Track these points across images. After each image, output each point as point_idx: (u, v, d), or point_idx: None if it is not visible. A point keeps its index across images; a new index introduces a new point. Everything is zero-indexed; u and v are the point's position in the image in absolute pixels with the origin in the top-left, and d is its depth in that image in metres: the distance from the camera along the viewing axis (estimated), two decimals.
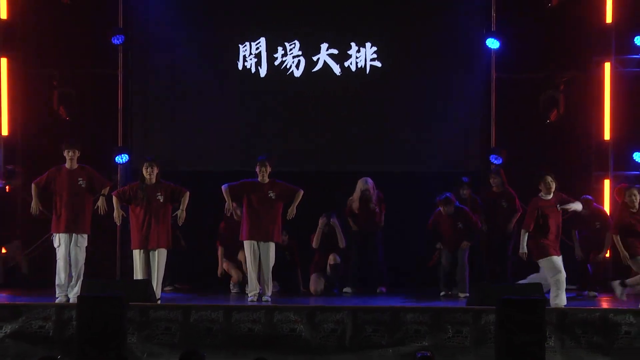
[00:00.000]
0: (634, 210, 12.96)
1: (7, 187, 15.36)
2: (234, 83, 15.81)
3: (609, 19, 15.41)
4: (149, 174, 13.14)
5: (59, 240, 13.16)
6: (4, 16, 15.50)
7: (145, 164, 13.20)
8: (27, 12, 15.65)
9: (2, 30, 15.54)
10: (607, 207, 15.24)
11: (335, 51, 15.70)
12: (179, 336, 12.16)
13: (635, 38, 15.32)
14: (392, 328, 12.16)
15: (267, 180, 13.45)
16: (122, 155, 15.55)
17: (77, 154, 13.26)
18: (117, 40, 15.55)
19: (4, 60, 15.50)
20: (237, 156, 15.72)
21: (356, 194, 14.78)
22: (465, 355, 12.04)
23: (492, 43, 15.45)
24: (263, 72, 15.72)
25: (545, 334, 11.55)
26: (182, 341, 12.03)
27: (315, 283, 14.41)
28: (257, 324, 12.21)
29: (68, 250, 13.14)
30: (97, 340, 11.16)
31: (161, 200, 13.12)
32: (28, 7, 15.64)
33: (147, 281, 12.97)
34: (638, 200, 12.98)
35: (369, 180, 14.77)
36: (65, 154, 13.21)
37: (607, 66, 15.44)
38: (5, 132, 15.52)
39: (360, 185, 14.77)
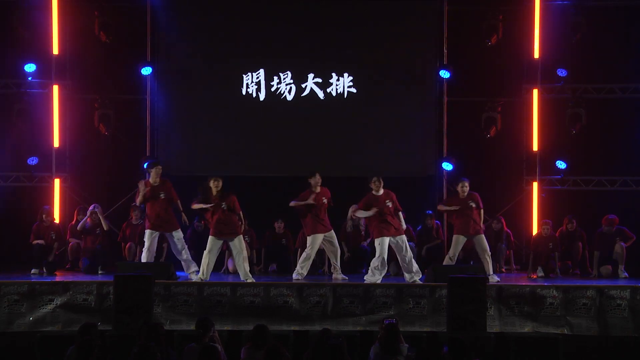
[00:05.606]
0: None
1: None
2: (238, 106, 15.69)
3: (536, 54, 15.44)
4: (216, 186, 12.99)
5: None
6: (56, 52, 15.45)
7: (212, 179, 12.99)
8: (74, 49, 15.59)
9: (54, 63, 15.49)
10: (534, 202, 15.33)
11: (319, 80, 15.63)
12: (194, 307, 12.10)
13: (557, 70, 15.34)
14: (365, 300, 12.12)
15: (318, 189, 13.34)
16: (150, 162, 15.48)
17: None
18: (145, 72, 15.51)
19: (56, 87, 15.43)
20: (240, 163, 15.59)
21: (348, 218, 14.55)
22: (423, 322, 11.99)
23: (444, 73, 15.42)
24: (262, 96, 15.64)
25: (486, 305, 11.58)
26: (197, 311, 11.97)
27: None
28: (257, 297, 12.15)
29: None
30: (130, 310, 11.19)
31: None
32: (75, 44, 15.58)
33: (169, 263, 12.89)
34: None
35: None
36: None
37: (535, 92, 15.46)
38: (56, 144, 15.47)
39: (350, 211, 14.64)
